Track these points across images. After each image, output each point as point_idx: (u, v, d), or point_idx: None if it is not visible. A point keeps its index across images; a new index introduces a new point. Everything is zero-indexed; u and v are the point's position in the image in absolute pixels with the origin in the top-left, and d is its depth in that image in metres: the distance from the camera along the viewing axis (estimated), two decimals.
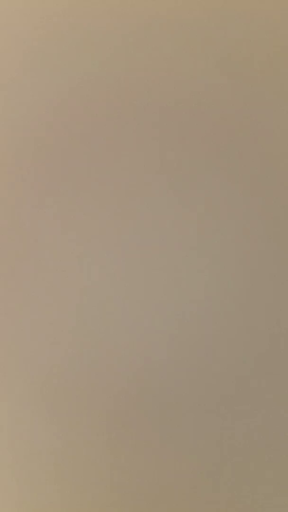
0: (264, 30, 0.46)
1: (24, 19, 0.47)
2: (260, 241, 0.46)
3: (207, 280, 0.46)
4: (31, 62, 0.47)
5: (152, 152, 0.46)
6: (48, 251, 0.47)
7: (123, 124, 0.46)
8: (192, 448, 0.46)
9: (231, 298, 0.46)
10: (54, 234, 0.47)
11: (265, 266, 0.46)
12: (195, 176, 0.46)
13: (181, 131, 0.46)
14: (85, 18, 0.47)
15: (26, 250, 0.47)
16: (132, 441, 0.46)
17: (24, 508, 0.47)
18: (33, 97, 0.47)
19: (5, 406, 0.47)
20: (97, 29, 0.46)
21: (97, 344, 0.46)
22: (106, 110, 0.47)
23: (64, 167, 0.47)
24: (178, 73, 0.46)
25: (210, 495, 0.46)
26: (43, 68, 0.47)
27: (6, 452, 0.47)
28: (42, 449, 0.47)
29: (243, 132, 0.46)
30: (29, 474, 0.47)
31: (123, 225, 0.46)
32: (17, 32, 0.47)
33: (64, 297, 0.46)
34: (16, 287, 0.47)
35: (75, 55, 0.47)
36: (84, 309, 0.46)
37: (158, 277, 0.46)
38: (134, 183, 0.46)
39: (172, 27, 0.46)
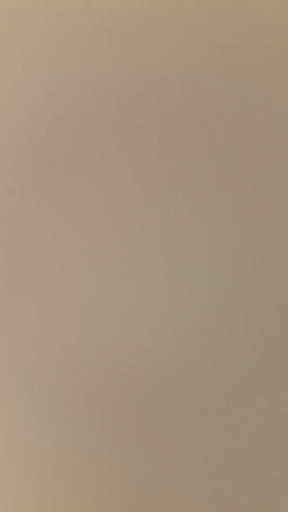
0: (264, 30, 0.46)
1: (24, 19, 0.47)
2: (260, 241, 0.46)
3: (208, 280, 0.46)
4: (31, 61, 0.47)
5: (152, 152, 0.46)
6: (48, 251, 0.47)
7: (123, 124, 0.46)
8: (193, 448, 0.46)
9: (231, 298, 0.46)
10: (54, 234, 0.47)
11: (266, 266, 0.46)
12: (195, 176, 0.46)
13: (181, 131, 0.46)
14: (85, 18, 0.47)
15: (27, 251, 0.47)
16: (133, 441, 0.46)
17: (24, 508, 0.47)
18: (34, 96, 0.47)
19: (5, 406, 0.47)
20: (97, 29, 0.47)
21: (97, 344, 0.46)
22: (107, 110, 0.47)
23: (64, 167, 0.47)
24: (178, 72, 0.46)
25: (211, 494, 0.46)
26: (43, 67, 0.47)
27: (6, 453, 0.47)
28: (42, 449, 0.47)
29: (243, 132, 0.46)
30: (30, 474, 0.47)
31: (123, 225, 0.46)
32: (17, 32, 0.47)
33: (65, 297, 0.47)
34: (17, 287, 0.47)
35: (75, 55, 0.47)
36: (85, 309, 0.46)
37: (158, 276, 0.46)
38: (135, 183, 0.46)
39: (172, 27, 0.46)
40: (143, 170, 0.46)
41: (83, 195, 0.47)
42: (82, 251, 0.47)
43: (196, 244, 0.46)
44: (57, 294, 0.47)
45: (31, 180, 0.47)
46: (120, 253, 0.46)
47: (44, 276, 0.47)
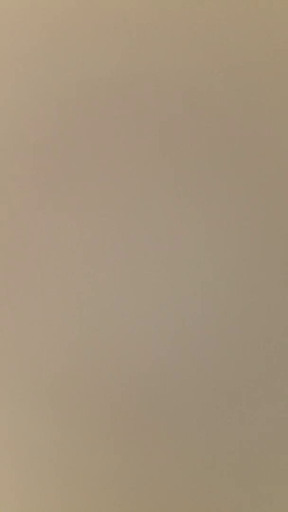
0: (264, 31, 0.46)
1: (24, 19, 0.47)
2: (261, 241, 0.46)
3: (208, 279, 0.46)
4: (31, 61, 0.47)
5: (152, 153, 0.46)
6: (49, 251, 0.47)
7: (123, 125, 0.46)
8: (193, 448, 0.46)
9: (232, 297, 0.46)
10: (55, 235, 0.47)
11: (266, 265, 0.46)
12: (196, 176, 0.46)
13: (181, 131, 0.46)
14: (85, 18, 0.47)
15: (27, 251, 0.47)
16: (133, 441, 0.46)
17: (24, 508, 0.47)
18: (34, 96, 0.47)
19: (5, 406, 0.47)
20: (97, 29, 0.47)
21: (98, 344, 0.46)
22: (107, 110, 0.47)
23: (64, 167, 0.47)
24: (178, 73, 0.46)
25: (211, 494, 0.46)
26: (43, 66, 0.47)
27: (6, 452, 0.47)
28: (42, 449, 0.47)
29: (243, 131, 0.46)
30: (30, 474, 0.47)
31: (124, 225, 0.46)
32: (17, 32, 0.47)
33: (65, 298, 0.47)
34: (17, 287, 0.47)
35: (75, 55, 0.47)
36: (85, 310, 0.46)
37: (159, 277, 0.46)
38: (135, 182, 0.46)
39: (173, 27, 0.46)
40: (143, 171, 0.46)
41: (84, 195, 0.47)
42: (83, 251, 0.47)
43: (196, 244, 0.46)
44: (57, 294, 0.47)
45: (32, 181, 0.47)
46: (120, 254, 0.46)
47: (45, 276, 0.47)
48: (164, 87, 0.46)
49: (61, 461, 0.47)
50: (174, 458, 0.46)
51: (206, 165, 0.46)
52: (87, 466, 0.47)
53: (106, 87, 0.46)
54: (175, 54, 0.46)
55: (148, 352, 0.46)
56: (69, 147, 0.47)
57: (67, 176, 0.47)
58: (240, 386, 0.46)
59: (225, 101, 0.46)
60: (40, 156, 0.47)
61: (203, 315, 0.46)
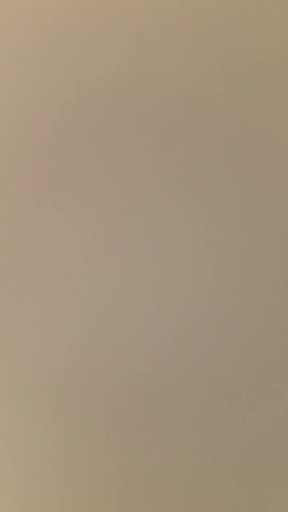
0: (264, 31, 0.46)
1: (24, 19, 0.47)
2: (261, 241, 0.46)
3: (208, 280, 0.46)
4: (31, 61, 0.47)
5: (153, 152, 0.46)
6: (48, 251, 0.47)
7: (123, 124, 0.46)
8: (193, 448, 0.46)
9: (232, 298, 0.46)
10: (54, 234, 0.47)
11: (266, 266, 0.46)
12: (196, 176, 0.46)
13: (181, 132, 0.46)
14: (85, 17, 0.47)
15: (27, 250, 0.47)
16: (133, 441, 0.46)
17: (24, 508, 0.47)
18: (34, 96, 0.47)
19: (5, 406, 0.47)
20: (97, 29, 0.47)
21: (98, 343, 0.46)
22: (107, 110, 0.47)
23: (64, 167, 0.47)
24: (178, 73, 0.46)
25: (211, 495, 0.46)
26: (43, 66, 0.47)
27: (5, 452, 0.47)
28: (42, 449, 0.47)
29: (244, 131, 0.46)
30: (30, 474, 0.47)
31: (123, 225, 0.46)
32: (17, 32, 0.47)
33: (65, 298, 0.47)
34: (17, 288, 0.47)
35: (75, 54, 0.47)
36: (85, 309, 0.46)
37: (159, 277, 0.46)
38: (135, 182, 0.46)
39: (173, 27, 0.46)
40: (143, 170, 0.46)
41: (83, 195, 0.47)
42: (83, 251, 0.47)
43: (196, 244, 0.46)
44: (57, 294, 0.47)
45: (32, 181, 0.47)
46: (120, 253, 0.46)
47: (45, 276, 0.47)
48: (164, 87, 0.46)
49: (61, 461, 0.47)
50: (174, 458, 0.46)
51: (206, 165, 0.46)
52: (87, 466, 0.47)
53: (106, 87, 0.46)
54: (175, 54, 0.46)
55: (148, 352, 0.46)
56: (69, 147, 0.47)
57: (67, 176, 0.47)
58: (240, 386, 0.45)
59: (225, 101, 0.46)
60: (40, 156, 0.47)
61: (203, 315, 0.46)
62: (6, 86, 0.47)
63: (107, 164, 0.47)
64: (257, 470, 0.46)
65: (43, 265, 0.47)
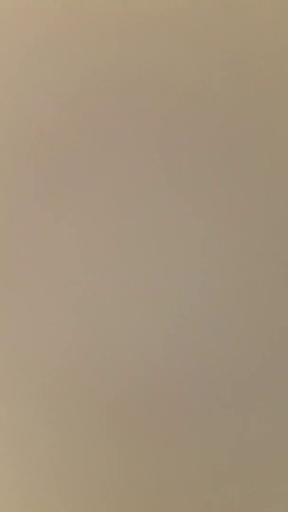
0: (265, 31, 0.46)
1: (24, 19, 0.47)
2: (261, 242, 0.46)
3: (208, 280, 0.46)
4: (31, 60, 0.47)
5: (152, 152, 0.46)
6: (47, 250, 0.47)
7: (123, 124, 0.46)
8: (192, 448, 0.46)
9: (231, 299, 0.46)
10: (54, 234, 0.47)
11: (266, 267, 0.46)
12: (196, 177, 0.46)
13: (181, 132, 0.46)
14: (85, 17, 0.47)
15: (26, 250, 0.47)
16: (133, 440, 0.46)
17: (24, 508, 0.47)
18: (33, 96, 0.47)
19: (5, 407, 0.47)
20: (97, 29, 0.46)
21: (97, 344, 0.46)
22: (107, 109, 0.47)
23: (64, 167, 0.47)
24: (178, 72, 0.46)
25: (211, 495, 0.46)
26: (43, 66, 0.47)
27: (6, 453, 0.47)
28: (42, 449, 0.47)
29: (244, 131, 0.46)
30: (29, 474, 0.47)
31: (123, 225, 0.46)
32: (17, 32, 0.47)
33: (65, 299, 0.46)
34: (16, 286, 0.47)
35: (75, 54, 0.47)
36: (84, 309, 0.46)
37: (158, 277, 0.46)
38: (134, 183, 0.46)
39: (173, 27, 0.46)
40: (143, 170, 0.46)
41: (84, 194, 0.47)
42: (82, 251, 0.47)
43: (196, 244, 0.46)
44: (57, 296, 0.47)
45: (31, 178, 0.47)
46: (119, 254, 0.46)
47: (44, 279, 0.47)
48: (165, 89, 0.46)
49: (61, 460, 0.47)
50: (174, 457, 0.46)
51: (209, 170, 0.46)
52: (87, 465, 0.47)
53: (106, 88, 0.46)
54: (175, 54, 0.46)
55: (148, 352, 0.46)
56: (69, 148, 0.47)
57: (67, 177, 0.47)
58: (240, 386, 0.45)
59: (225, 101, 0.46)
60: (39, 161, 0.47)
61: (203, 316, 0.46)
62: (7, 85, 0.47)
63: (107, 166, 0.46)
64: (257, 470, 0.46)
65: (43, 267, 0.47)
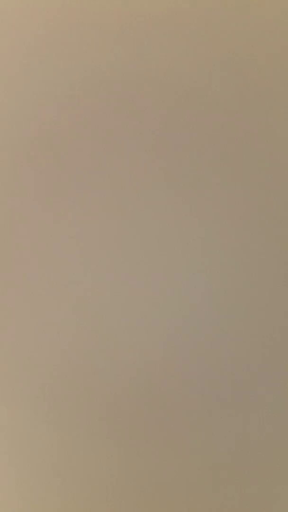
0: (265, 31, 0.46)
1: (24, 19, 0.47)
2: (261, 242, 0.46)
3: (207, 280, 0.46)
4: (31, 60, 0.47)
5: (152, 152, 0.46)
6: (47, 250, 0.47)
7: (123, 124, 0.46)
8: (192, 448, 0.46)
9: (231, 299, 0.46)
10: (54, 234, 0.47)
11: (266, 267, 0.46)
12: (195, 178, 0.46)
13: (181, 133, 0.46)
14: (85, 17, 0.47)
15: (26, 250, 0.47)
16: (133, 439, 0.46)
17: (24, 508, 0.47)
18: (33, 96, 0.47)
19: (5, 407, 0.47)
20: (97, 28, 0.46)
21: (97, 344, 0.46)
22: (107, 109, 0.47)
23: (64, 167, 0.47)
24: (178, 72, 0.46)
25: (212, 495, 0.46)
26: (43, 66, 0.47)
27: (5, 453, 0.47)
28: (42, 449, 0.47)
29: (244, 130, 0.46)
30: (29, 474, 0.47)
31: (123, 225, 0.46)
32: (17, 32, 0.47)
33: (65, 299, 0.46)
34: (16, 286, 0.47)
35: (75, 54, 0.47)
36: (84, 309, 0.46)
37: (158, 277, 0.46)
38: (134, 183, 0.46)
39: (173, 27, 0.46)
40: (143, 170, 0.46)
41: (84, 194, 0.47)
42: (82, 251, 0.46)
43: (196, 245, 0.46)
44: (57, 296, 0.47)
45: (31, 178, 0.47)
46: (119, 254, 0.46)
47: (44, 279, 0.47)
48: (165, 89, 0.46)
49: (61, 460, 0.47)
50: (174, 457, 0.46)
51: (209, 170, 0.46)
52: (87, 465, 0.47)
53: (106, 88, 0.46)
54: (175, 54, 0.46)
55: (148, 352, 0.46)
56: (69, 149, 0.47)
57: (67, 177, 0.47)
58: (240, 386, 0.45)
59: (225, 101, 0.46)
60: (39, 161, 0.47)
61: (203, 317, 0.46)
62: (6, 86, 0.47)
63: (107, 166, 0.46)
64: (257, 470, 0.46)
65: (43, 266, 0.47)
